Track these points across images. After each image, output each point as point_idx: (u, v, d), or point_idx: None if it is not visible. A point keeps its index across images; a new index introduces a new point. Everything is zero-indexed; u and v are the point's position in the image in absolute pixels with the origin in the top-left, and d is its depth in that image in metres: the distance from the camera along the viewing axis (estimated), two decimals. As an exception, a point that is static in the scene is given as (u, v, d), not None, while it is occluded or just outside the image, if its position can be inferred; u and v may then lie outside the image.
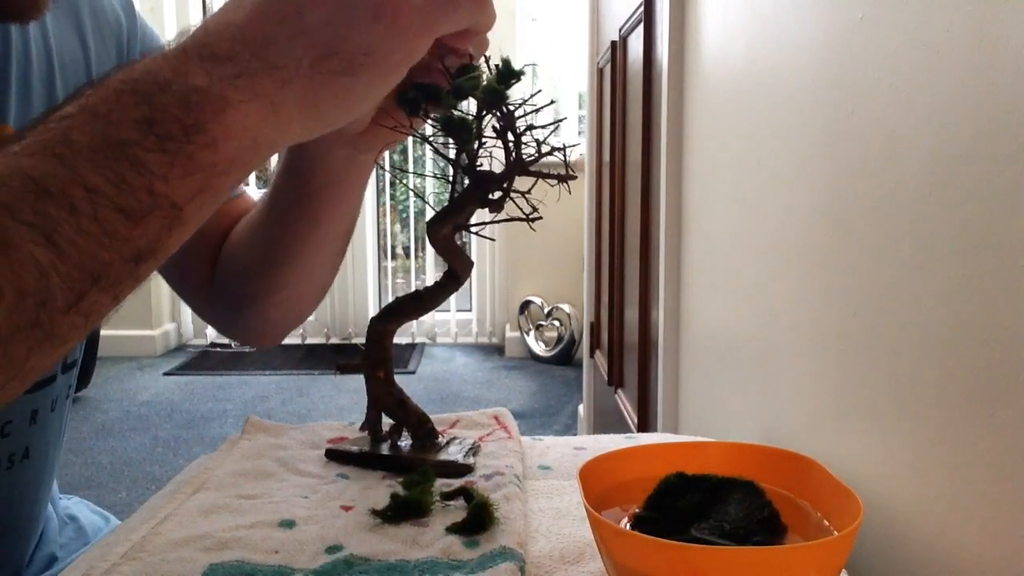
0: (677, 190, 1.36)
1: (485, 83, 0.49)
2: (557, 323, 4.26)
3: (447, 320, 4.62)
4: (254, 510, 0.57)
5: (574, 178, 0.53)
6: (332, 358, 4.14)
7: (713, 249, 1.15)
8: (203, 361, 4.18)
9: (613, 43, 2.04)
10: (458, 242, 0.58)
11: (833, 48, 0.70)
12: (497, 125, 0.51)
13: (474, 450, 0.66)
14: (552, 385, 3.82)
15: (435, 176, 0.56)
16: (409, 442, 0.65)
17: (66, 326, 0.34)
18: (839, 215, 0.68)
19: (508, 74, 0.50)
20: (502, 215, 0.54)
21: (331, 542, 0.52)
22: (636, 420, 1.71)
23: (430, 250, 4.57)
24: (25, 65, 0.59)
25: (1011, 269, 0.44)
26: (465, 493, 0.56)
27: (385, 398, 0.63)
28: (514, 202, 0.53)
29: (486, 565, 0.48)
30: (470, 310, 4.65)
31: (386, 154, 0.61)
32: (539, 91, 0.55)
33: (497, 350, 4.48)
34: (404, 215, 5.02)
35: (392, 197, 4.87)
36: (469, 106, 0.52)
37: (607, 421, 2.26)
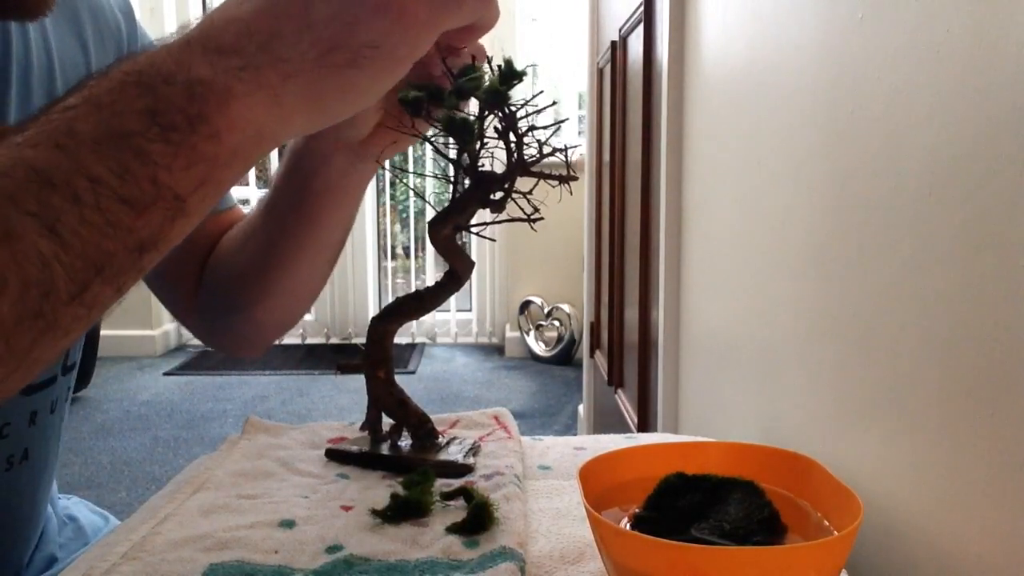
0: (677, 190, 1.36)
1: (487, 84, 0.50)
2: (557, 323, 4.26)
3: (447, 320, 4.62)
4: (254, 510, 0.57)
5: (575, 179, 0.53)
6: (332, 358, 4.14)
7: (713, 249, 1.15)
8: (203, 361, 4.18)
9: (613, 43, 2.04)
10: (459, 242, 0.58)
11: (833, 48, 0.70)
12: (499, 125, 0.51)
13: (474, 450, 0.66)
14: (552, 385, 3.82)
15: (436, 176, 0.56)
16: (409, 442, 0.65)
17: (69, 317, 0.34)
18: (839, 215, 0.68)
19: (510, 75, 0.50)
20: (503, 215, 0.54)
21: (331, 542, 0.52)
22: (636, 420, 1.71)
23: (430, 250, 4.57)
24: (25, 67, 0.59)
25: (1011, 269, 0.44)
26: (465, 493, 0.56)
27: (385, 398, 0.63)
28: (515, 202, 0.53)
29: (486, 565, 0.48)
30: (470, 310, 4.65)
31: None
32: (541, 92, 0.55)
33: (497, 350, 4.48)
34: (404, 215, 5.02)
35: (392, 197, 4.87)
36: (470, 106, 0.52)
37: (607, 421, 2.26)
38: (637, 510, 0.49)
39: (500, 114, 0.51)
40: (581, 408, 2.90)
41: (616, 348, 2.05)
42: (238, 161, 0.38)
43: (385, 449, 0.66)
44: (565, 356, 4.18)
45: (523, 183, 0.53)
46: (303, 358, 4.22)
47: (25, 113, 0.58)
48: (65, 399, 0.69)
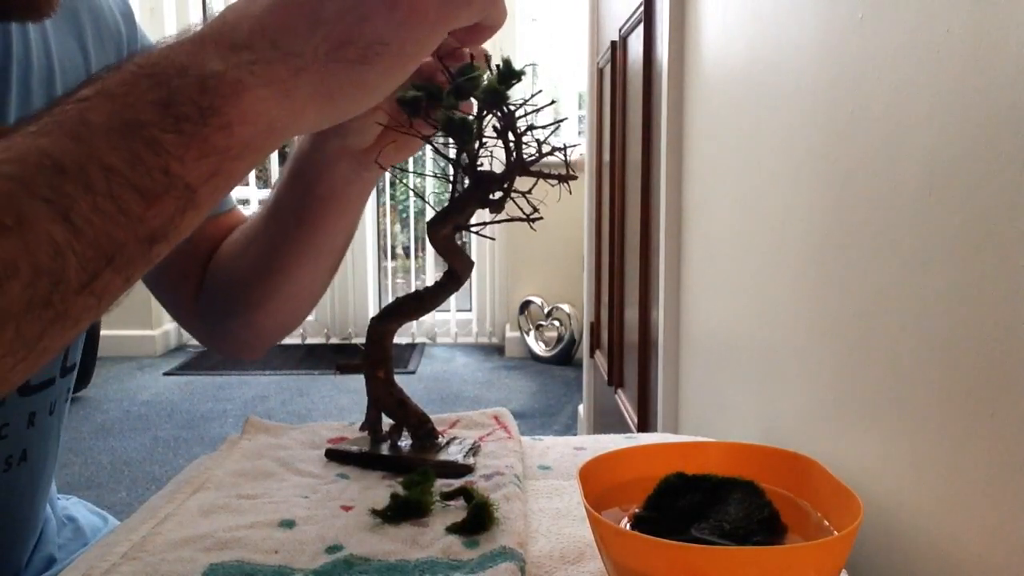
0: (677, 190, 1.36)
1: (486, 83, 0.50)
2: (557, 323, 4.26)
3: (447, 320, 4.62)
4: (254, 510, 0.57)
5: (574, 178, 0.53)
6: (332, 358, 4.14)
7: (713, 249, 1.15)
8: (203, 361, 4.18)
9: (613, 43, 2.04)
10: (458, 242, 0.58)
11: (833, 48, 0.70)
12: (498, 125, 0.51)
13: (474, 450, 0.66)
14: (552, 385, 3.82)
15: (435, 176, 0.56)
16: (409, 442, 0.65)
17: (79, 306, 0.34)
18: (839, 215, 0.68)
19: (509, 74, 0.50)
20: (502, 215, 0.54)
21: (331, 542, 0.52)
22: (636, 420, 1.71)
23: (430, 250, 4.57)
24: (26, 68, 0.59)
25: (1011, 269, 0.44)
26: (465, 493, 0.56)
27: (385, 398, 0.63)
28: (514, 202, 0.53)
29: (486, 565, 0.48)
30: (470, 310, 4.65)
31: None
32: (540, 91, 0.55)
33: (497, 350, 4.48)
34: (404, 215, 5.02)
35: (392, 197, 4.87)
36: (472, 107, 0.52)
37: (607, 421, 2.26)
38: (637, 510, 0.49)
39: (499, 114, 0.51)
40: (581, 408, 2.90)
41: (616, 348, 2.05)
42: (249, 154, 0.38)
43: (385, 449, 0.66)
44: (565, 356, 4.18)
45: (522, 183, 0.53)
46: (303, 358, 4.22)
47: (25, 114, 0.58)
48: (64, 400, 0.68)
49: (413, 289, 0.77)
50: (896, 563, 0.57)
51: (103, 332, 3.61)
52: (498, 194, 0.54)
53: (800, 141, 0.78)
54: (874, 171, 0.61)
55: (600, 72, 2.38)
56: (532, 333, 4.35)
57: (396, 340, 0.65)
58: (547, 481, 0.65)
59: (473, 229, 0.57)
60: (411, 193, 4.69)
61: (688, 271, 1.31)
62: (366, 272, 4.56)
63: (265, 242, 0.65)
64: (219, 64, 0.37)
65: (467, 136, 0.51)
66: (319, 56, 0.39)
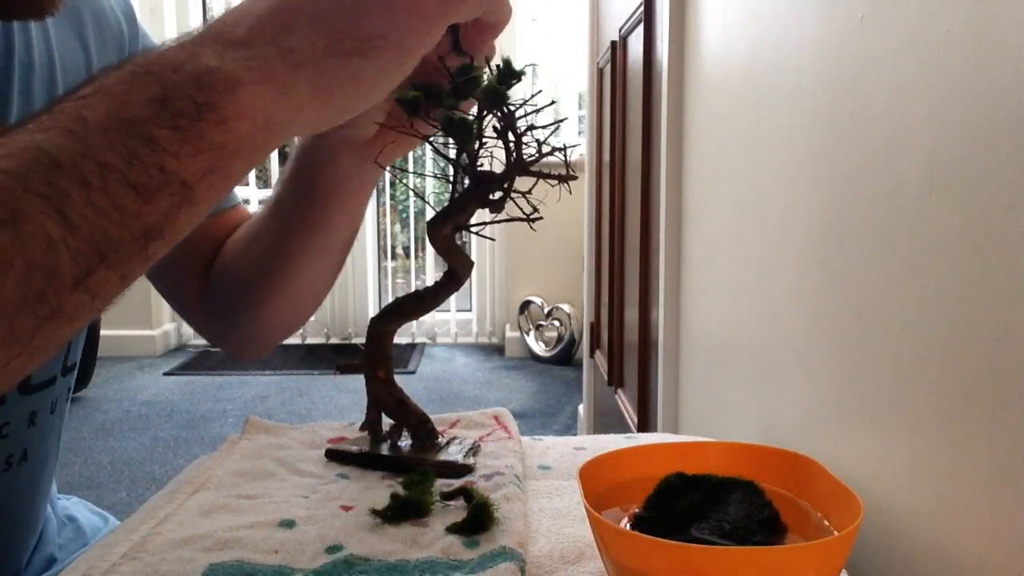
0: (677, 190, 1.36)
1: (486, 83, 0.50)
2: (557, 323, 4.26)
3: (447, 320, 4.62)
4: (254, 510, 0.57)
5: (574, 178, 0.53)
6: (332, 358, 4.14)
7: (713, 249, 1.15)
8: (203, 361, 4.18)
9: (613, 43, 2.04)
10: (458, 242, 0.58)
11: (833, 48, 0.70)
12: (498, 125, 0.51)
13: (474, 450, 0.66)
14: (552, 385, 3.83)
15: (435, 176, 0.56)
16: (409, 442, 0.65)
17: (73, 303, 0.33)
18: (839, 215, 0.68)
19: (508, 74, 0.50)
20: (502, 215, 0.54)
21: (331, 542, 0.52)
22: (636, 420, 1.71)
23: (430, 250, 4.57)
24: (28, 67, 0.59)
25: (1011, 269, 0.44)
26: (465, 493, 0.56)
27: (385, 398, 0.63)
28: (514, 202, 0.53)
29: (486, 565, 0.48)
30: (470, 310, 4.65)
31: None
32: (540, 91, 0.55)
33: (497, 350, 4.48)
34: (404, 215, 5.02)
35: (392, 197, 4.87)
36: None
37: (607, 421, 2.26)
38: (637, 510, 0.49)
39: (499, 114, 0.51)
40: (581, 408, 2.90)
41: (616, 348, 2.05)
42: (246, 151, 0.38)
43: (385, 449, 0.66)
44: (565, 356, 4.18)
45: (522, 183, 0.53)
46: (303, 358, 4.22)
47: (27, 113, 0.58)
48: (65, 399, 0.68)
49: (413, 289, 0.76)
50: (896, 563, 0.57)
51: (103, 332, 3.62)
52: (498, 194, 0.54)
53: (800, 141, 0.78)
54: (874, 171, 0.61)
55: (600, 72, 2.38)
56: (532, 333, 4.35)
57: (396, 340, 0.65)
58: (547, 481, 0.65)
59: (473, 229, 0.57)
60: (411, 193, 4.69)
61: (688, 271, 1.31)
62: (366, 272, 4.56)
63: (269, 238, 0.65)
64: (215, 61, 0.37)
65: (467, 136, 0.51)
66: (317, 52, 0.39)
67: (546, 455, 0.70)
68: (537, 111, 0.51)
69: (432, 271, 4.64)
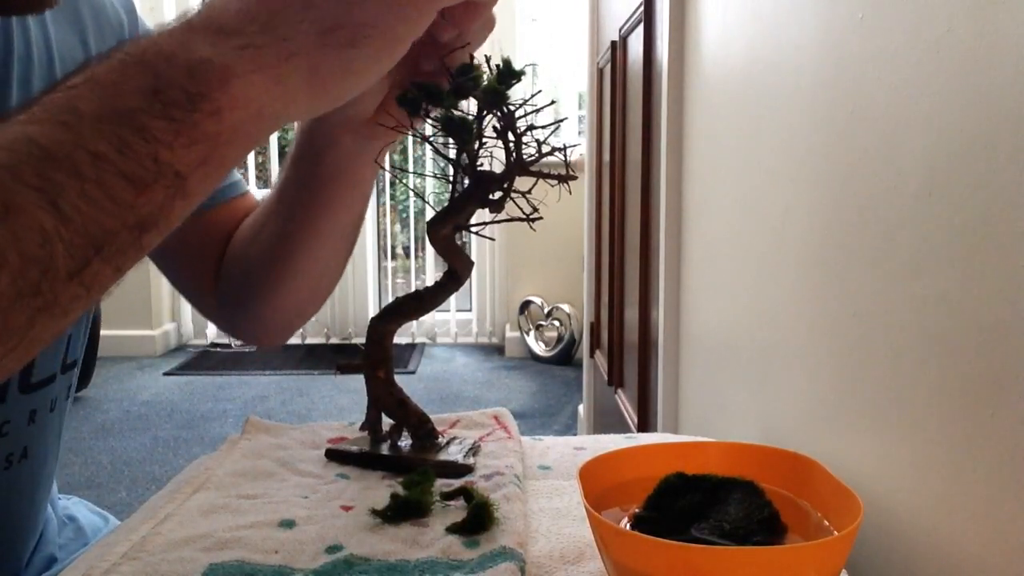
0: (677, 190, 1.36)
1: (485, 83, 0.50)
2: (557, 323, 4.26)
3: (447, 320, 4.62)
4: (254, 510, 0.57)
5: (574, 178, 0.53)
6: (332, 358, 4.14)
7: (713, 249, 1.15)
8: (203, 361, 4.18)
9: (613, 43, 2.04)
10: (458, 242, 0.58)
11: (833, 48, 0.70)
12: (497, 125, 0.51)
13: (474, 450, 0.66)
14: (552, 385, 3.82)
15: (435, 176, 0.56)
16: (409, 442, 0.65)
17: (68, 296, 0.33)
18: (839, 215, 0.68)
19: (508, 74, 0.50)
20: (502, 215, 0.54)
21: (331, 542, 0.52)
22: (636, 420, 1.71)
23: (430, 250, 4.57)
24: (26, 63, 0.59)
25: (1011, 269, 0.44)
26: (465, 493, 0.56)
27: (385, 398, 0.63)
28: (514, 202, 0.53)
29: (486, 565, 0.48)
30: (470, 310, 4.65)
31: (386, 153, 0.61)
32: (539, 91, 0.55)
33: (497, 350, 4.48)
34: (404, 215, 5.02)
35: (392, 197, 4.87)
36: (469, 106, 0.52)
37: (607, 421, 2.26)
38: (637, 510, 0.49)
39: (498, 113, 0.51)
40: (581, 408, 2.90)
41: (616, 348, 2.05)
42: (239, 140, 0.38)
43: (385, 449, 0.66)
44: (565, 356, 4.18)
45: (522, 183, 0.53)
46: (303, 358, 4.22)
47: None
48: (65, 397, 0.68)
49: (413, 289, 0.76)
50: (896, 563, 0.57)
51: (103, 332, 3.61)
52: (498, 194, 0.54)
53: (800, 141, 0.78)
54: (874, 171, 0.61)
55: (600, 72, 2.38)
56: (532, 333, 4.35)
57: (396, 340, 0.65)
58: (547, 481, 0.65)
59: (473, 229, 0.57)
60: (411, 193, 4.69)
61: (688, 271, 1.31)
62: (366, 272, 4.56)
63: (276, 224, 0.64)
64: (207, 50, 0.37)
65: (467, 136, 0.51)
66: (309, 41, 0.39)
67: (546, 455, 0.70)
68: (537, 111, 0.51)
69: (432, 271, 4.64)
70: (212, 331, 4.47)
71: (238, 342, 4.38)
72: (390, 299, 1.52)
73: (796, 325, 0.79)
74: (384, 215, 4.77)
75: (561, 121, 0.56)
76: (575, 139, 4.12)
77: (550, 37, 4.53)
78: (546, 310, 4.34)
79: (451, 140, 0.52)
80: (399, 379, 0.64)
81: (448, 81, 0.50)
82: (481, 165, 0.53)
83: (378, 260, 4.68)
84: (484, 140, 0.52)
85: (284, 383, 3.78)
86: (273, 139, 4.47)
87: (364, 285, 4.56)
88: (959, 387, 0.49)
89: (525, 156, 0.52)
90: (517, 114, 0.51)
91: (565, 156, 0.53)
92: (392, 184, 4.66)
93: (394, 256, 4.99)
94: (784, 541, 0.47)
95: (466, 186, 0.54)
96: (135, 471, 2.76)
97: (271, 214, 0.65)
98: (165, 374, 3.95)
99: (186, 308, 4.52)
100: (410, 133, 0.53)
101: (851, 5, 0.66)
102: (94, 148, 0.33)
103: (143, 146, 0.34)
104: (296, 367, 4.04)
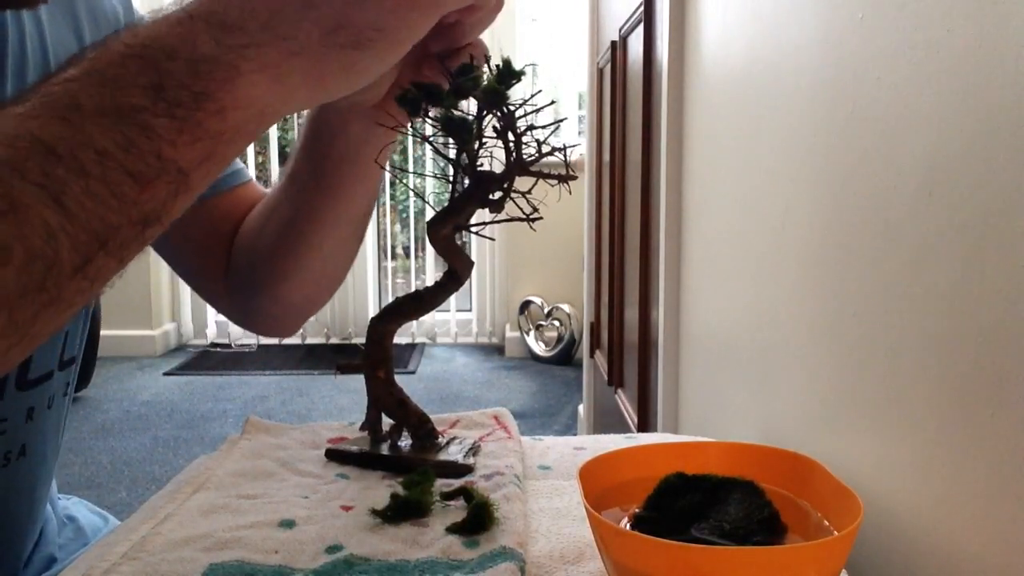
0: (677, 190, 1.36)
1: (485, 83, 0.49)
2: (557, 323, 4.26)
3: (447, 320, 4.62)
4: (254, 510, 0.57)
5: (574, 178, 0.53)
6: (332, 358, 4.14)
7: (713, 249, 1.15)
8: (203, 361, 4.18)
9: (613, 43, 2.04)
10: (458, 242, 0.57)
11: (833, 48, 0.70)
12: (497, 125, 0.51)
13: (474, 450, 0.66)
14: (552, 385, 3.82)
15: (435, 176, 0.56)
16: (409, 442, 0.65)
17: (72, 290, 0.34)
18: (839, 215, 0.68)
19: (508, 74, 0.50)
20: (502, 215, 0.54)
21: (331, 542, 0.52)
22: (636, 420, 1.71)
23: (430, 250, 4.57)
24: (20, 59, 0.58)
25: (1011, 269, 0.44)
26: (465, 493, 0.56)
27: (385, 398, 0.63)
28: (514, 202, 0.53)
29: (486, 565, 0.48)
30: (470, 310, 4.65)
31: (387, 154, 0.61)
32: (539, 91, 0.55)
33: (497, 350, 4.48)
34: (404, 215, 5.02)
35: (392, 197, 4.87)
36: (469, 106, 0.52)
37: (607, 421, 2.26)
38: (637, 510, 0.49)
39: (498, 114, 0.51)
40: (581, 408, 2.90)
41: (616, 348, 2.05)
42: (241, 137, 0.38)
43: (385, 449, 0.66)
44: (565, 356, 4.18)
45: (522, 183, 0.53)
46: (303, 358, 4.22)
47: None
48: (64, 394, 0.68)
49: (413, 289, 0.76)
50: (896, 563, 0.57)
51: (103, 332, 3.61)
52: (498, 194, 0.54)
53: (800, 141, 0.78)
54: (874, 171, 0.61)
55: (600, 72, 2.38)
56: (532, 333, 4.35)
57: (396, 340, 0.65)
58: (547, 481, 0.65)
59: (473, 229, 0.57)
60: (411, 193, 4.69)
61: (688, 271, 1.31)
62: (366, 272, 4.56)
63: (286, 213, 0.64)
64: (210, 47, 0.37)
65: (467, 136, 0.51)
66: (312, 41, 0.39)
67: (546, 455, 0.70)
68: (537, 111, 0.51)
69: (432, 271, 4.64)
70: (212, 331, 4.47)
71: (238, 342, 4.39)
72: (390, 299, 1.52)
73: (796, 325, 0.79)
74: (384, 215, 4.77)
75: (561, 121, 0.56)
76: (575, 139, 4.12)
77: (550, 37, 4.53)
78: (546, 310, 4.34)
79: (451, 140, 0.52)
80: (399, 379, 0.64)
81: (448, 81, 0.50)
82: (481, 165, 0.53)
83: (378, 260, 4.68)
84: (484, 140, 0.52)
85: (284, 383, 3.78)
86: (273, 139, 4.47)
87: (364, 285, 4.56)
88: (959, 387, 0.49)
89: (525, 156, 0.52)
90: (517, 114, 0.51)
91: (565, 156, 0.53)
92: (392, 184, 4.66)
93: (394, 256, 4.99)
94: (784, 541, 0.47)
95: (466, 186, 0.54)
96: (135, 471, 2.76)
97: (280, 203, 0.65)
98: (165, 374, 3.95)
99: (186, 308, 4.52)
100: (411, 133, 0.53)
101: (851, 5, 0.66)
102: (98, 145, 0.33)
103: (147, 143, 0.34)
104: (296, 367, 4.04)
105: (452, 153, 0.54)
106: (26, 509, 0.67)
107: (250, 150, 4.28)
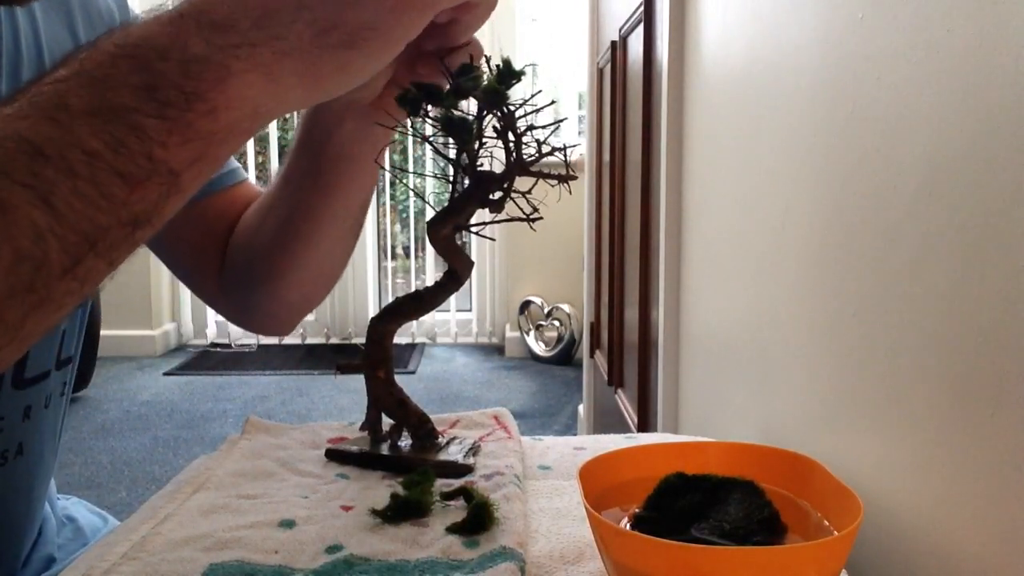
0: (677, 190, 1.36)
1: (485, 83, 0.49)
2: (557, 323, 4.26)
3: (447, 320, 4.62)
4: (254, 510, 0.57)
5: (574, 178, 0.53)
6: (332, 358, 4.14)
7: (713, 249, 1.15)
8: (203, 361, 4.18)
9: (613, 43, 2.04)
10: (458, 242, 0.57)
11: (833, 48, 0.70)
12: (497, 125, 0.51)
13: (474, 450, 0.66)
14: (552, 385, 3.82)
15: (435, 176, 0.56)
16: (409, 442, 0.65)
17: (62, 291, 0.33)
18: (838, 215, 0.68)
19: (508, 74, 0.50)
20: (502, 215, 0.54)
21: (331, 542, 0.52)
22: (636, 420, 1.71)
23: (430, 250, 4.57)
24: (15, 57, 0.58)
25: (1011, 269, 0.44)
26: (465, 493, 0.56)
27: (385, 398, 0.63)
28: (514, 202, 0.53)
29: (486, 565, 0.48)
30: (470, 310, 4.65)
31: (386, 154, 0.61)
32: (539, 91, 0.55)
33: (497, 350, 4.48)
34: (404, 215, 5.02)
35: (392, 197, 4.87)
36: (469, 106, 0.52)
37: (607, 421, 2.26)
38: (637, 510, 0.49)
39: (498, 113, 0.51)
40: (581, 408, 2.90)
41: (616, 348, 2.05)
42: (233, 138, 0.38)
43: (385, 449, 0.66)
44: (565, 356, 4.18)
45: (522, 183, 0.53)
46: (303, 358, 4.22)
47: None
48: (61, 394, 0.68)
49: (413, 289, 0.76)
50: (896, 563, 0.57)
51: (103, 332, 3.61)
52: (498, 194, 0.54)
53: (800, 141, 0.78)
54: (874, 171, 0.61)
55: (600, 72, 2.38)
56: (532, 333, 4.35)
57: (396, 340, 0.65)
58: (547, 481, 0.65)
59: (473, 229, 0.57)
60: (411, 193, 4.69)
61: (688, 271, 1.31)
62: (366, 272, 4.56)
63: (282, 210, 0.64)
64: (201, 47, 0.36)
65: (467, 136, 0.51)
66: (304, 40, 0.39)
67: (546, 455, 0.70)
68: (537, 111, 0.51)
69: (432, 271, 4.64)
70: (212, 331, 4.47)
71: (238, 342, 4.39)
72: (390, 299, 1.52)
73: (796, 325, 0.79)
74: (384, 215, 4.77)
75: (561, 121, 0.56)
76: (575, 139, 4.12)
77: (550, 37, 4.53)
78: (546, 310, 4.34)
79: (451, 140, 0.52)
80: (399, 379, 0.64)
81: (448, 81, 0.50)
82: (481, 165, 0.53)
83: (378, 260, 4.68)
84: (484, 140, 0.52)
85: (284, 383, 3.78)
86: (273, 138, 4.47)
87: (364, 285, 4.56)
88: (959, 387, 0.49)
89: (525, 156, 0.52)
90: (517, 114, 0.51)
91: (565, 156, 0.53)
92: (392, 184, 4.66)
93: (394, 256, 4.99)
94: (784, 541, 0.47)
95: (466, 186, 0.54)
96: (135, 471, 2.76)
97: (276, 201, 0.65)
98: (165, 374, 3.95)
99: (186, 308, 4.52)
100: (408, 132, 0.53)
101: (851, 5, 0.66)
102: (88, 146, 0.33)
103: (137, 144, 0.34)
104: (296, 367, 4.04)
105: (452, 153, 0.54)
106: (24, 508, 0.67)
107: (250, 149, 4.28)
